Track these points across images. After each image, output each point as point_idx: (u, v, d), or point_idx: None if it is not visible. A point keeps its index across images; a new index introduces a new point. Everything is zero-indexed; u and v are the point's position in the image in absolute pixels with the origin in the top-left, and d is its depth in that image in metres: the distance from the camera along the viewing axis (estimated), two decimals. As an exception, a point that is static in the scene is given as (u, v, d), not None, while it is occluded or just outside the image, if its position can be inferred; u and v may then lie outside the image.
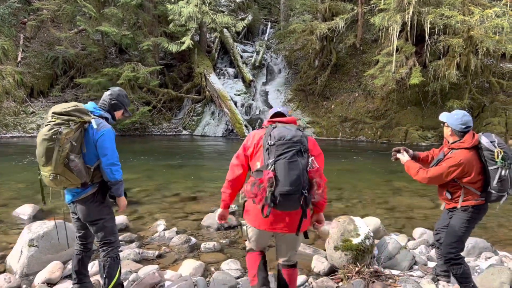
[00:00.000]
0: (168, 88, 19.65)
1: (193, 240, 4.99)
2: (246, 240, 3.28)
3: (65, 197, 3.19)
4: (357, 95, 18.91)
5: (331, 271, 4.12)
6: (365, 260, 4.11)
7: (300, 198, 2.66)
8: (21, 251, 4.00)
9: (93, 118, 3.06)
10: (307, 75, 20.28)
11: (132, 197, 7.18)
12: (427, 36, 15.43)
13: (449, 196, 3.54)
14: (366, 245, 4.16)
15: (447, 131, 3.54)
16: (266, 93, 20.66)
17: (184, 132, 18.80)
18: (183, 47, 17.19)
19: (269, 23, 26.02)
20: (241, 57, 21.97)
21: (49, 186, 3.05)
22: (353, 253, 4.06)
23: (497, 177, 3.29)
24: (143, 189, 7.81)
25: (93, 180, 3.06)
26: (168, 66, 20.98)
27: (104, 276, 3.16)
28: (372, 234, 4.40)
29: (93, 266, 3.95)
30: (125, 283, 3.62)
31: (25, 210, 6.00)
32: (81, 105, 3.06)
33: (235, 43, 22.74)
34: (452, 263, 3.52)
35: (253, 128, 16.97)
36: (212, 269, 4.23)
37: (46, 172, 2.93)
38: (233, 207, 6.14)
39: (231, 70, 21.52)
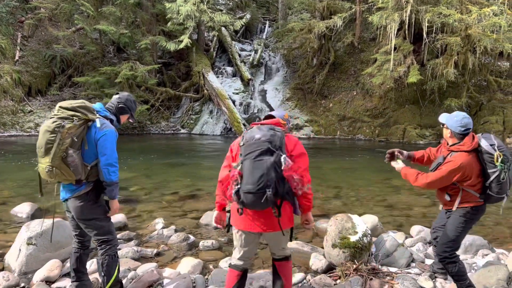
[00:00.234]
0: (166, 86, 19.65)
1: (192, 238, 4.99)
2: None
3: (60, 194, 3.18)
4: (355, 93, 18.94)
5: (329, 269, 4.13)
6: (363, 257, 4.12)
7: (266, 197, 2.65)
8: (20, 249, 4.00)
9: (98, 117, 3.09)
10: (305, 73, 20.30)
11: (131, 195, 7.18)
12: (425, 35, 15.46)
13: (448, 198, 3.53)
14: (364, 243, 4.17)
15: (446, 133, 3.49)
16: (264, 92, 20.67)
17: (182, 130, 18.81)
18: (181, 45, 17.18)
19: (267, 22, 26.02)
20: (239, 55, 21.97)
21: (44, 178, 3.04)
22: (351, 250, 4.07)
23: (496, 180, 3.28)
24: (141, 187, 7.81)
25: (88, 178, 3.05)
26: (166, 64, 20.97)
27: (103, 274, 3.17)
28: (369, 231, 4.42)
29: (91, 264, 3.95)
30: (123, 281, 3.63)
31: (23, 209, 5.99)
32: (88, 103, 3.10)
33: (233, 42, 22.74)
34: (447, 261, 3.53)
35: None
36: (211, 266, 4.24)
37: (43, 164, 2.93)
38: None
39: (229, 69, 21.52)
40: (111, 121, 3.23)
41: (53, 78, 19.01)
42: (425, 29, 15.17)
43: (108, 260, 3.15)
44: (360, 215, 5.06)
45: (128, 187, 7.68)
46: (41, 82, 18.41)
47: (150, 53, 19.02)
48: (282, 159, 2.71)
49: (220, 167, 3.11)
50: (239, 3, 26.37)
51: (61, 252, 4.16)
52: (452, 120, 3.41)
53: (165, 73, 20.35)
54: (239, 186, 2.73)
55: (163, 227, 5.38)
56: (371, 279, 3.79)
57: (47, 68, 18.70)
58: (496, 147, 3.27)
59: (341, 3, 18.96)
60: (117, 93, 3.43)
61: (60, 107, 3.01)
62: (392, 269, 4.14)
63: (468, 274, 4.01)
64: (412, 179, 3.53)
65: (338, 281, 3.86)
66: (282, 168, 2.69)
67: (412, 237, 5.19)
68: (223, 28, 21.74)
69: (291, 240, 3.19)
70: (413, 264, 4.31)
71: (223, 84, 19.77)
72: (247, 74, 20.59)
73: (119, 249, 3.99)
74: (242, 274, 3.11)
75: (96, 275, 3.71)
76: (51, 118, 2.97)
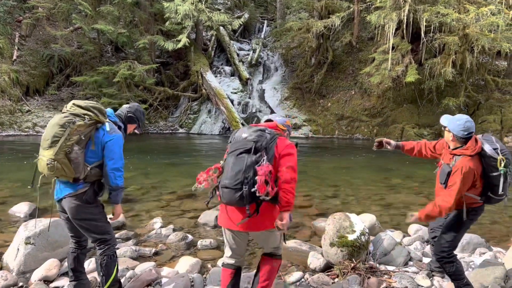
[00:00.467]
0: (164, 86, 19.64)
1: (190, 237, 5.00)
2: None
3: (54, 194, 3.14)
4: (353, 93, 18.96)
5: (327, 267, 4.14)
6: (361, 256, 4.14)
7: (242, 193, 2.70)
8: (18, 249, 4.00)
9: (107, 121, 3.13)
10: (304, 73, 20.31)
11: (129, 195, 7.18)
12: (422, 34, 15.49)
13: None
14: (362, 242, 4.19)
15: (448, 136, 3.41)
16: (262, 91, 20.67)
17: (181, 130, 18.80)
18: (179, 45, 17.18)
19: (266, 21, 26.03)
20: (238, 55, 21.98)
21: (42, 172, 3.02)
22: (348, 249, 4.09)
23: (501, 184, 3.28)
24: (139, 187, 7.81)
25: (86, 178, 3.03)
26: (165, 64, 20.97)
27: (102, 274, 3.16)
28: (367, 230, 4.43)
29: (90, 263, 3.96)
30: (122, 280, 3.64)
31: (21, 208, 5.99)
32: (102, 106, 3.15)
33: (232, 41, 22.74)
34: (445, 261, 3.53)
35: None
36: (209, 266, 4.24)
37: (45, 157, 2.92)
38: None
39: (227, 68, 21.52)
40: (119, 127, 3.27)
41: (51, 78, 18.98)
42: (423, 29, 15.20)
43: (107, 260, 3.14)
44: (358, 214, 5.07)
45: (126, 187, 7.66)
46: (39, 81, 18.38)
47: (148, 53, 19.00)
48: (262, 160, 2.75)
49: None
50: (237, 3, 26.37)
51: (59, 251, 4.16)
52: (455, 123, 3.32)
53: (163, 72, 20.34)
54: (218, 180, 2.87)
55: (161, 227, 5.38)
56: (369, 277, 3.80)
57: (45, 67, 18.68)
58: (499, 151, 3.26)
59: (339, 2, 18.98)
60: (128, 103, 3.52)
61: (73, 104, 3.07)
62: (390, 268, 4.15)
63: (466, 273, 4.03)
64: (436, 213, 3.32)
65: (336, 279, 3.87)
66: (257, 167, 2.72)
67: (409, 235, 5.21)
68: (221, 28, 21.74)
69: (284, 242, 3.20)
70: (410, 263, 4.33)
71: (221, 84, 19.77)
72: (245, 74, 20.60)
73: (117, 248, 3.99)
74: (236, 272, 3.13)
75: (94, 274, 3.71)
76: (63, 113, 3.03)
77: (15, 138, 15.32)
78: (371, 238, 4.57)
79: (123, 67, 17.12)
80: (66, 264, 3.76)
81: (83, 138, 2.96)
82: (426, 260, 4.35)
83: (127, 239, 4.98)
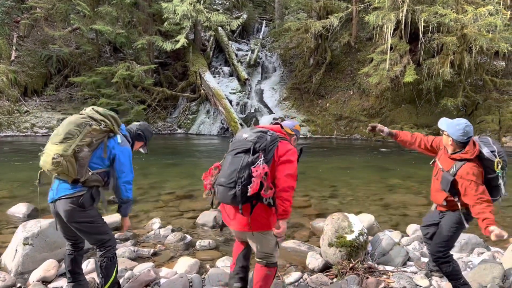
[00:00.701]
0: (163, 86, 19.63)
1: (188, 238, 5.00)
2: None
3: (49, 195, 3.09)
4: (351, 93, 18.97)
5: (326, 268, 4.15)
6: (359, 256, 4.14)
7: (235, 193, 2.76)
8: (16, 250, 4.00)
9: (119, 134, 3.19)
10: (302, 73, 20.32)
11: (127, 195, 7.16)
12: (421, 34, 15.51)
13: (444, 203, 3.54)
14: (360, 242, 4.19)
15: (447, 140, 3.40)
16: (261, 92, 20.67)
17: (179, 130, 18.80)
18: (178, 45, 17.17)
19: (264, 22, 26.03)
20: (236, 55, 21.97)
21: (42, 168, 3.01)
22: (347, 249, 4.09)
23: (502, 186, 3.33)
24: (138, 187, 7.80)
25: (85, 183, 3.01)
26: (163, 64, 20.96)
27: (101, 276, 3.15)
28: (366, 230, 4.44)
29: (88, 264, 3.95)
30: (120, 280, 3.63)
31: (19, 209, 5.98)
32: (118, 118, 3.23)
33: (230, 42, 22.74)
34: (441, 261, 3.55)
35: (248, 127, 17.00)
36: (207, 266, 4.24)
37: (52, 151, 2.91)
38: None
39: (226, 69, 21.51)
40: (128, 142, 3.33)
41: (49, 78, 18.96)
42: (421, 29, 15.22)
43: (107, 262, 3.13)
44: (356, 214, 5.07)
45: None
46: (37, 82, 18.35)
47: (146, 53, 19.00)
48: (260, 161, 2.77)
49: None
50: (236, 3, 26.37)
51: (57, 252, 4.15)
52: (454, 128, 3.31)
53: (161, 73, 20.33)
54: (216, 177, 2.96)
55: (160, 227, 5.38)
56: (367, 277, 3.80)
57: (43, 68, 18.65)
58: (496, 153, 3.28)
59: (337, 2, 18.99)
60: (138, 121, 3.59)
61: (93, 108, 3.15)
62: (388, 268, 4.16)
63: (464, 273, 4.04)
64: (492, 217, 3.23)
65: (335, 279, 3.88)
66: (252, 168, 2.75)
67: (408, 236, 5.21)
68: (219, 28, 21.74)
69: (277, 247, 3.17)
70: (409, 263, 4.34)
71: (220, 84, 19.76)
72: (244, 74, 20.60)
73: (116, 249, 3.98)
74: (248, 245, 3.26)
75: (92, 274, 3.70)
76: (81, 114, 3.09)
77: (13, 138, 15.29)
78: (370, 238, 4.58)
79: (122, 67, 17.11)
80: (64, 265, 3.76)
81: (94, 142, 3.00)
82: (425, 260, 4.36)
83: (125, 239, 4.98)
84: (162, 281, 3.76)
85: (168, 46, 17.57)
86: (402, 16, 15.09)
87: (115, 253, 3.23)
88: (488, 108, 16.33)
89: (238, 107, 18.98)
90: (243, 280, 3.29)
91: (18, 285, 3.72)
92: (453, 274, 3.53)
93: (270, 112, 18.88)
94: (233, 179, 2.78)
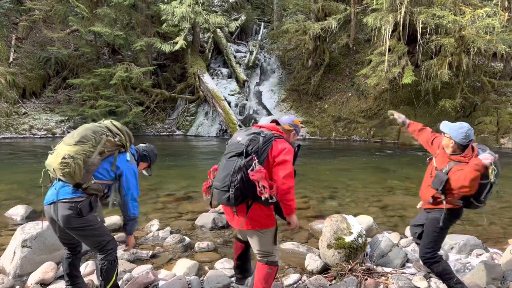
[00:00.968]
0: (161, 88, 19.62)
1: (187, 239, 4.99)
2: None
3: (47, 196, 3.07)
4: (350, 94, 18.99)
5: (324, 269, 4.15)
6: (358, 258, 4.15)
7: (228, 196, 2.89)
8: (14, 252, 3.99)
9: (129, 152, 3.26)
10: (301, 75, 20.33)
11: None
12: (419, 36, 15.53)
13: (431, 200, 3.61)
14: (359, 243, 4.20)
15: (448, 143, 3.49)
16: (259, 93, 20.67)
17: (178, 132, 18.78)
18: (176, 47, 17.17)
19: (263, 23, 26.04)
20: (235, 57, 21.97)
21: (47, 167, 3.02)
22: (346, 251, 4.10)
23: (485, 192, 3.39)
24: (136, 189, 7.79)
25: (85, 189, 3.00)
26: (162, 66, 20.95)
27: (101, 278, 3.14)
28: (364, 232, 4.45)
29: (86, 267, 3.95)
30: (119, 282, 3.63)
31: (17, 211, 5.96)
32: (133, 137, 3.34)
33: (229, 43, 22.74)
34: (431, 262, 3.61)
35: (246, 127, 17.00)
36: (206, 268, 4.24)
37: (62, 151, 2.92)
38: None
39: (224, 70, 21.52)
40: (134, 161, 3.38)
41: (48, 80, 18.92)
42: (419, 31, 15.25)
43: (107, 265, 3.12)
44: (355, 215, 5.09)
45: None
46: (35, 84, 18.32)
47: (145, 55, 18.99)
48: (253, 164, 2.82)
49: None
50: (234, 5, 26.39)
51: (56, 254, 4.15)
52: (457, 131, 3.42)
53: (160, 74, 20.32)
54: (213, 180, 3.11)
55: (159, 229, 5.37)
56: (366, 279, 3.81)
57: (41, 70, 18.62)
58: (492, 162, 3.33)
59: (336, 4, 19.00)
60: (145, 143, 3.68)
61: (112, 122, 3.25)
62: (387, 269, 4.16)
63: (462, 274, 4.05)
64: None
65: (334, 281, 3.88)
66: (248, 172, 2.81)
67: (407, 237, 5.21)
68: (218, 30, 21.75)
69: (277, 246, 3.24)
70: (408, 264, 4.34)
71: (218, 86, 19.76)
72: (242, 76, 20.60)
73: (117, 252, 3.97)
74: (245, 246, 3.44)
75: (91, 276, 3.70)
76: (98, 123, 3.19)
77: (11, 140, 15.26)
78: (368, 239, 4.58)
79: (120, 69, 17.10)
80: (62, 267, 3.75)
81: (106, 152, 3.05)
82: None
83: (124, 242, 4.95)
84: (161, 283, 3.76)
85: (166, 48, 17.57)
86: (400, 18, 15.11)
87: (116, 256, 3.22)
88: (486, 110, 16.36)
89: (237, 108, 18.97)
90: (244, 270, 3.51)
91: (17, 287, 3.72)
92: (444, 274, 3.57)
93: (269, 113, 18.88)
94: (226, 183, 2.88)
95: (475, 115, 16.47)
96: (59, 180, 3.01)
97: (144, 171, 3.64)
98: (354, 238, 4.19)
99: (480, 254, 4.63)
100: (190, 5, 16.93)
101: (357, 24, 19.37)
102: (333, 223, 4.36)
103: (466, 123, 3.51)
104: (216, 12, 20.73)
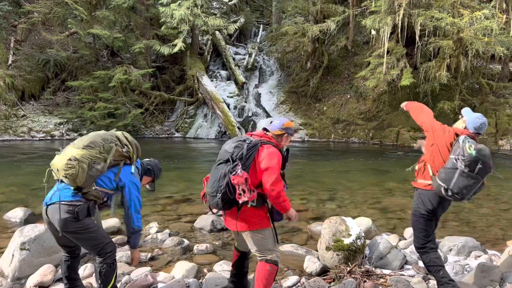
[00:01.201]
0: (160, 90, 19.64)
1: (186, 242, 4.99)
2: None
3: (46, 197, 3.06)
4: (349, 96, 19.02)
5: (323, 271, 4.15)
6: (357, 260, 4.15)
7: (217, 201, 3.04)
8: (13, 255, 3.98)
9: (134, 166, 3.29)
10: (299, 77, 20.36)
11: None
12: (417, 38, 15.58)
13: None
14: (358, 245, 4.20)
15: (461, 125, 3.65)
16: (258, 95, 20.70)
17: (177, 134, 18.79)
18: (175, 49, 17.20)
19: (261, 26, 26.08)
20: (234, 59, 22.00)
21: (52, 167, 3.02)
22: (344, 253, 4.10)
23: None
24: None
25: (85, 194, 3.00)
26: (160, 68, 20.96)
27: (100, 281, 3.13)
28: (363, 234, 4.44)
29: (85, 269, 3.95)
30: (118, 285, 3.62)
31: (16, 214, 5.96)
32: (140, 150, 3.39)
33: (228, 46, 22.77)
34: (420, 252, 3.69)
35: (246, 131, 17.01)
36: (205, 270, 4.24)
37: (70, 153, 2.95)
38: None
39: (223, 72, 21.54)
40: (138, 175, 3.40)
41: (47, 83, 18.94)
42: (417, 33, 15.29)
43: (106, 269, 3.11)
44: (354, 217, 5.09)
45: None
46: (34, 86, 18.33)
47: (144, 57, 19.01)
48: (237, 169, 2.98)
49: None
50: (233, 7, 26.43)
51: (54, 257, 4.14)
52: (473, 117, 3.58)
53: (159, 77, 20.34)
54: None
55: (157, 231, 5.37)
56: (364, 281, 3.81)
57: (40, 72, 18.63)
58: None
59: (334, 7, 19.05)
60: (150, 159, 3.67)
61: (123, 133, 3.31)
62: (386, 271, 4.16)
63: (460, 276, 4.05)
64: None
65: (332, 283, 3.88)
66: (231, 176, 2.97)
67: (405, 239, 5.22)
68: (217, 32, 21.77)
69: (275, 244, 3.31)
70: (406, 266, 4.34)
71: (217, 88, 19.78)
72: (241, 78, 20.63)
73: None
74: (240, 255, 3.53)
75: (89, 279, 3.70)
76: (111, 131, 3.26)
77: (10, 143, 15.25)
78: (367, 241, 4.58)
79: (119, 71, 17.12)
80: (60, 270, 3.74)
81: (112, 161, 3.09)
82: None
83: (123, 244, 4.95)
84: (160, 285, 3.75)
85: (165, 50, 17.59)
86: (398, 20, 15.16)
87: (115, 259, 3.21)
88: (484, 111, 16.34)
89: (236, 110, 18.99)
90: (236, 284, 3.55)
91: (15, 290, 3.71)
92: (431, 265, 3.59)
93: (268, 115, 18.90)
94: (214, 188, 3.05)
95: (473, 117, 16.47)
96: (61, 181, 3.02)
97: (147, 186, 3.64)
98: (353, 240, 4.19)
99: (479, 256, 4.63)
100: (189, 8, 16.95)
101: (356, 27, 19.42)
102: (332, 225, 4.36)
103: (485, 118, 3.65)
104: (215, 14, 20.77)
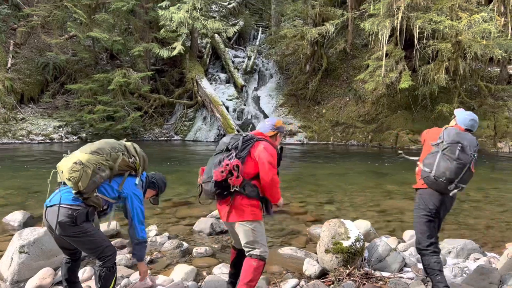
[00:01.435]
0: (159, 93, 19.63)
1: (185, 245, 4.98)
2: None
3: (48, 199, 3.06)
4: (348, 99, 19.04)
5: (322, 274, 4.15)
6: (356, 262, 4.15)
7: (210, 187, 3.19)
8: (12, 258, 3.98)
9: (139, 178, 3.31)
10: (298, 80, 20.39)
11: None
12: (416, 41, 15.60)
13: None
14: (357, 248, 4.20)
15: (453, 123, 3.78)
16: (257, 98, 20.72)
17: (176, 137, 18.78)
18: (174, 52, 17.20)
19: (260, 29, 26.13)
20: (233, 62, 22.02)
21: (57, 168, 3.04)
22: (343, 255, 4.10)
23: None
24: (134, 194, 7.77)
25: (86, 200, 2.99)
26: (160, 71, 20.97)
27: (99, 285, 3.13)
28: (362, 236, 4.45)
29: (84, 272, 3.94)
30: (117, 288, 3.62)
31: (15, 217, 5.95)
32: (147, 163, 3.43)
33: (227, 49, 22.80)
34: (422, 254, 3.69)
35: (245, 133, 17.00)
36: (204, 273, 4.24)
37: (76, 157, 2.97)
38: None
39: (222, 75, 21.56)
40: (142, 187, 3.41)
41: (46, 86, 18.93)
42: (416, 36, 15.32)
43: (106, 272, 3.10)
44: (353, 220, 5.09)
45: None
46: (33, 89, 18.32)
47: (143, 60, 19.01)
48: (230, 156, 3.16)
49: None
50: (232, 10, 26.47)
51: (53, 260, 4.14)
52: (463, 115, 3.71)
53: (158, 80, 20.34)
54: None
55: (156, 234, 5.37)
56: (363, 284, 3.81)
57: (39, 75, 18.62)
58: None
59: (333, 10, 19.09)
60: (155, 172, 3.70)
61: (132, 144, 3.35)
62: (385, 274, 4.16)
63: (460, 278, 4.06)
64: None
65: (332, 286, 3.88)
66: (222, 163, 3.12)
67: (404, 241, 5.23)
68: (216, 35, 21.80)
69: (269, 214, 3.48)
70: (406, 269, 4.35)
71: (216, 91, 19.79)
72: (240, 81, 20.65)
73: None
74: (238, 253, 3.55)
75: (88, 282, 3.69)
76: (120, 141, 3.30)
77: (9, 146, 15.24)
78: (366, 244, 4.58)
79: (118, 74, 17.11)
80: (60, 273, 3.74)
81: (116, 169, 3.09)
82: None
83: (122, 247, 4.96)
84: (159, 288, 3.75)
85: (164, 53, 17.60)
86: (397, 23, 15.19)
87: (115, 263, 3.20)
88: (483, 114, 16.40)
89: (235, 113, 19.00)
90: (235, 285, 3.56)
91: (14, 293, 3.71)
92: (430, 268, 3.58)
93: (267, 118, 18.89)
94: (209, 174, 3.22)
95: (472, 120, 16.49)
96: (64, 184, 3.03)
97: (151, 200, 3.64)
98: (352, 243, 4.19)
99: (478, 259, 4.64)
100: (188, 11, 16.97)
101: (354, 29, 19.46)
102: (331, 228, 4.36)
103: (476, 115, 3.75)
104: (214, 17, 20.79)
